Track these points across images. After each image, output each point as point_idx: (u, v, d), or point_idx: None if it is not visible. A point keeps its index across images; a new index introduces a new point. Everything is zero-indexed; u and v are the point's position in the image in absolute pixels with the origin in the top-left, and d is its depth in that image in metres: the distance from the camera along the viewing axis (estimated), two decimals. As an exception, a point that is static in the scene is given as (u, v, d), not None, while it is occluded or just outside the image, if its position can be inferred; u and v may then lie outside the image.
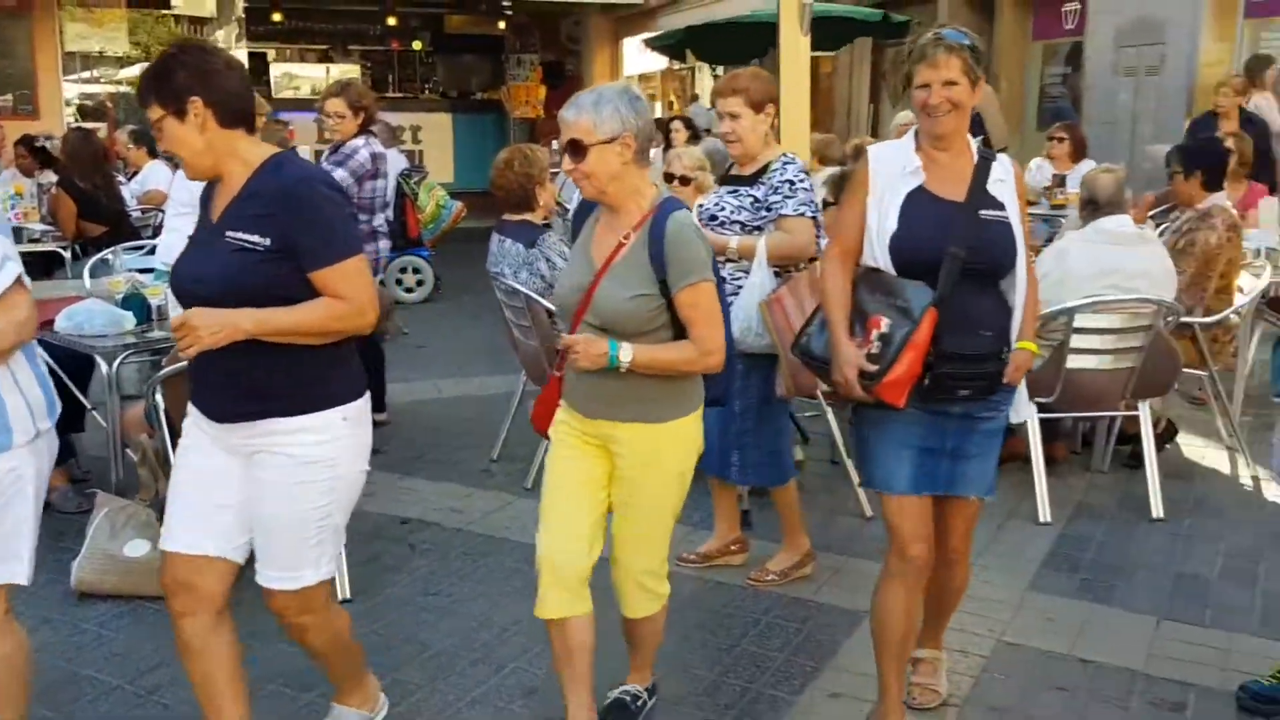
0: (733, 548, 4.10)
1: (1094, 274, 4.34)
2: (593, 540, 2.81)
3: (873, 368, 2.67)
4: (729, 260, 3.64)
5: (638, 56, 14.55)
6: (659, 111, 15.51)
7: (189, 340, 2.32)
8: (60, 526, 4.40)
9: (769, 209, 3.61)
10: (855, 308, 2.78)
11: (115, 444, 4.20)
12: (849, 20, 13.08)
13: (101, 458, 5.18)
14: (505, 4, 15.53)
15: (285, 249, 2.39)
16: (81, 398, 4.85)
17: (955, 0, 16.16)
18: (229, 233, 2.42)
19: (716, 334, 2.66)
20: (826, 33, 11.57)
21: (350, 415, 2.54)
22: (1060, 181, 7.94)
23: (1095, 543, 4.27)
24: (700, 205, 3.81)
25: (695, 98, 17.08)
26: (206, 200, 2.59)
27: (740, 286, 3.60)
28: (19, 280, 2.40)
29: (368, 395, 2.61)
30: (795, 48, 8.07)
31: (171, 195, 4.96)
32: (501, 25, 16.97)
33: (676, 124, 10.17)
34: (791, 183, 3.60)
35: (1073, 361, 4.42)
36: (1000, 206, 2.73)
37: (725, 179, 3.89)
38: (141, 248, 6.20)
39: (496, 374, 6.64)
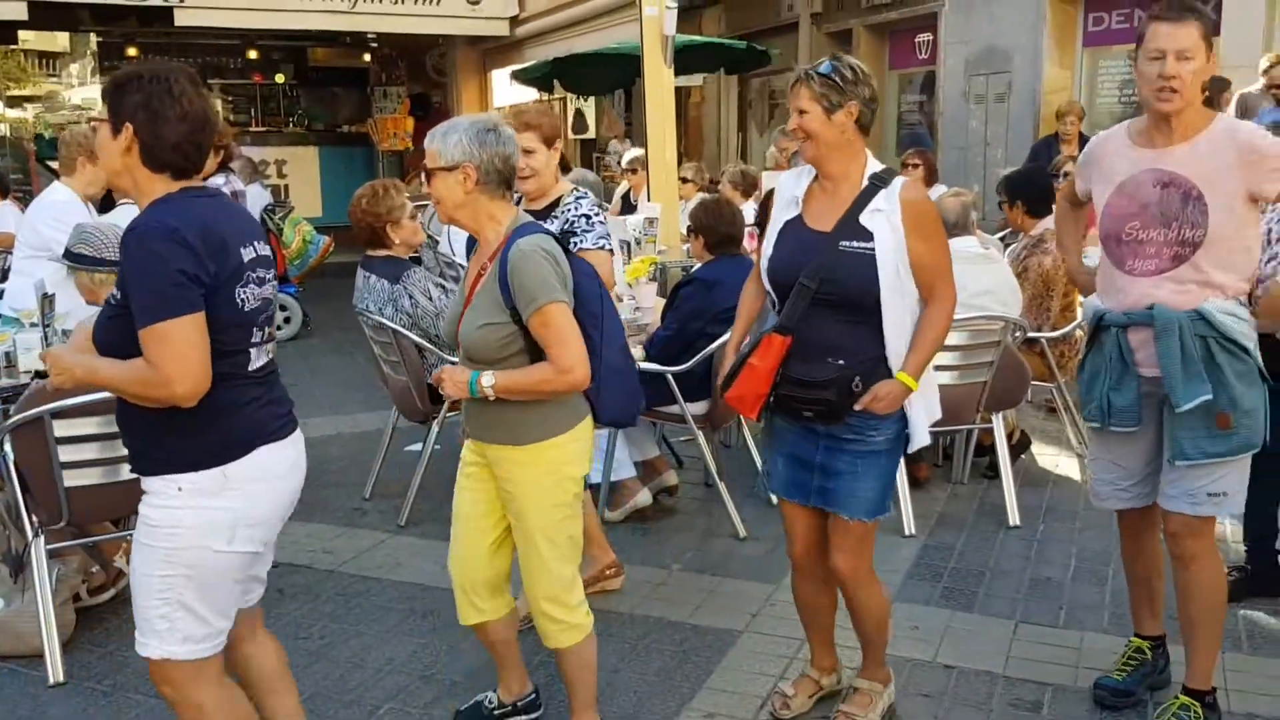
0: (608, 572, 4.11)
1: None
2: (494, 556, 2.95)
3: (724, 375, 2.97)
4: None
5: (507, 88, 14.56)
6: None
7: (56, 376, 2.39)
8: (-100, 589, 4.18)
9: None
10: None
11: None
12: (713, 50, 13.37)
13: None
14: (370, 37, 15.39)
15: (126, 306, 2.29)
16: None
17: (816, 34, 16.77)
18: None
19: (569, 352, 2.67)
20: (692, 63, 11.82)
21: (187, 487, 2.34)
22: (917, 205, 8.25)
23: (956, 552, 4.44)
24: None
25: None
26: None
27: None
28: None
29: (238, 467, 2.37)
30: (659, 78, 8.24)
31: (20, 238, 4.76)
32: (367, 58, 16.81)
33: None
34: (588, 217, 3.60)
35: (938, 378, 4.58)
36: (868, 237, 2.78)
37: None
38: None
39: (368, 411, 6.56)
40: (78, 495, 3.52)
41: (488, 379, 2.69)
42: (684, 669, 3.53)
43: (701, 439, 4.72)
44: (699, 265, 5.02)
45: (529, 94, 16.86)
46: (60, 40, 15.99)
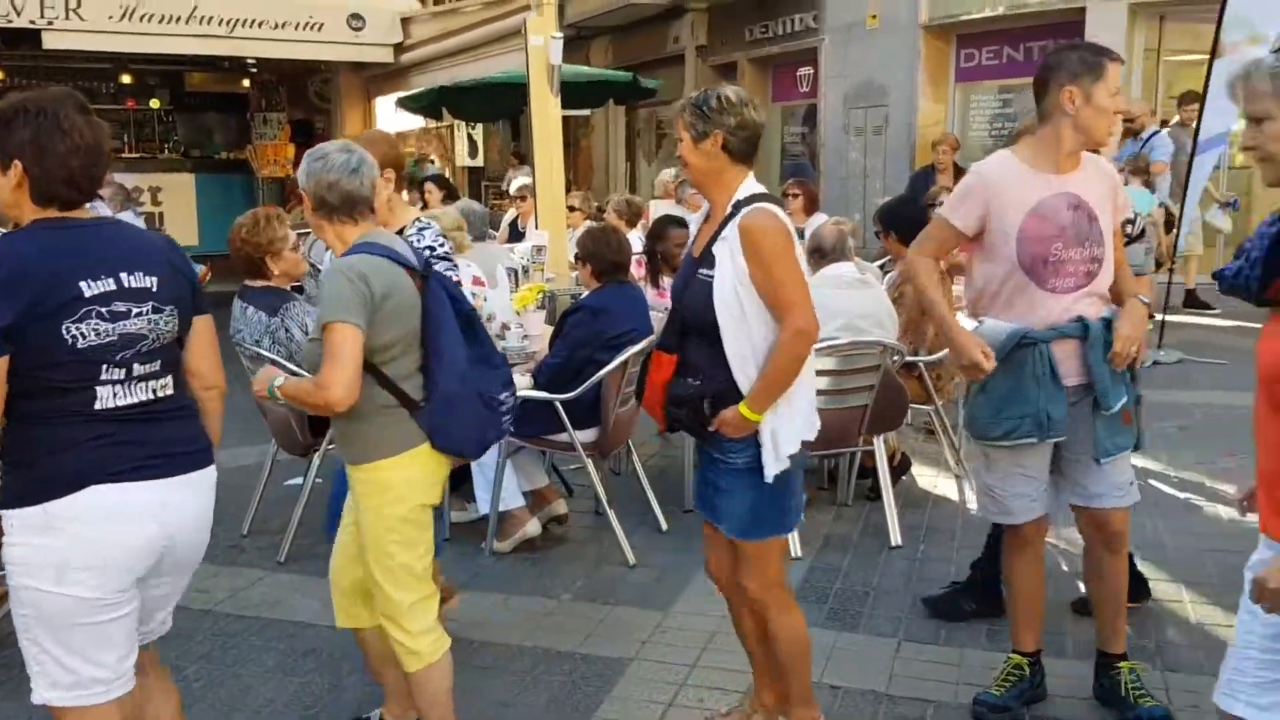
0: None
1: (824, 318, 4.59)
2: (357, 561, 2.99)
3: None
4: None
5: (392, 114, 14.39)
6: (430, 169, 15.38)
7: None
8: None
9: None
10: None
11: None
12: (601, 83, 13.47)
13: None
14: (250, 62, 15.06)
15: None
16: None
17: (701, 66, 17.06)
18: None
19: (333, 370, 2.66)
20: (580, 94, 11.87)
21: (17, 523, 2.29)
22: (799, 234, 8.42)
23: (842, 573, 4.51)
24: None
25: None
26: None
27: None
28: None
29: (61, 505, 2.28)
30: (546, 107, 8.28)
31: None
32: (246, 83, 16.43)
33: (429, 184, 10.12)
34: (432, 248, 3.50)
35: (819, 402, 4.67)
36: (712, 264, 2.85)
37: None
38: None
39: (246, 444, 6.36)
40: None
41: (280, 379, 2.88)
42: (573, 699, 3.50)
43: (591, 467, 4.71)
44: (587, 293, 5.03)
45: (415, 121, 16.75)
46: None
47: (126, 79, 15.96)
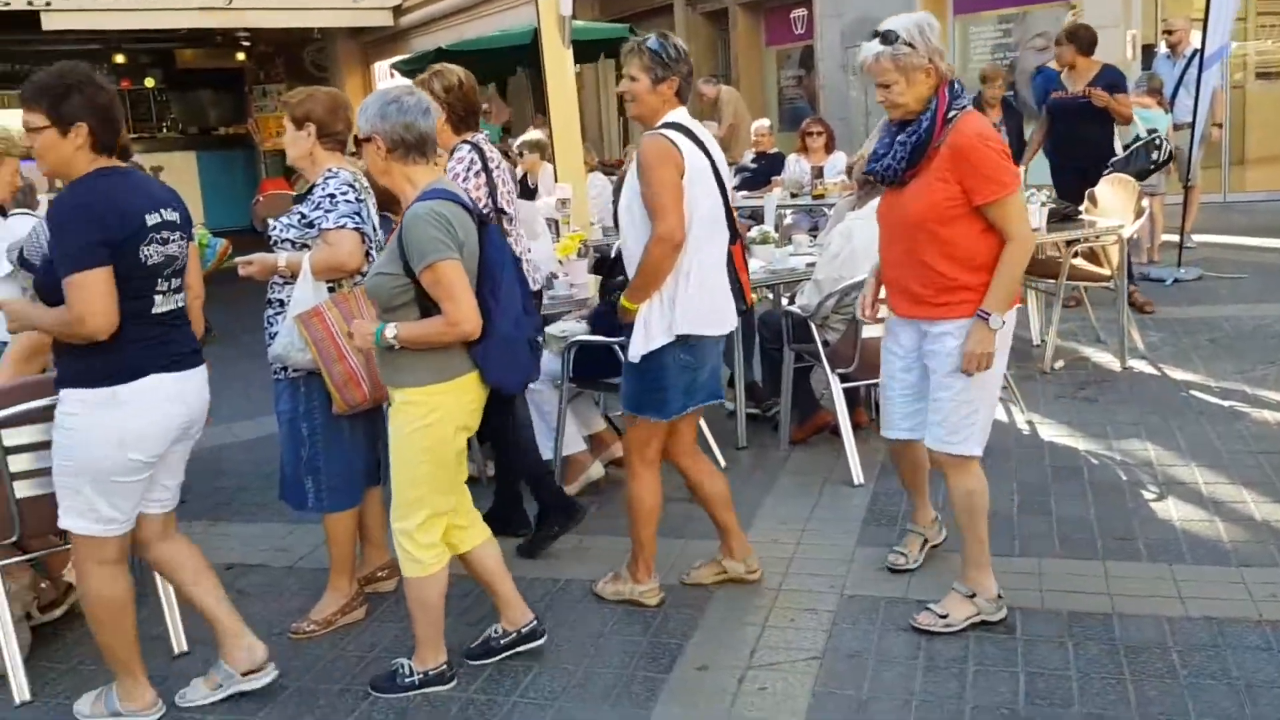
0: (379, 574, 4.02)
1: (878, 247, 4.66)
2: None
3: None
4: (286, 282, 3.56)
5: (390, 81, 14.32)
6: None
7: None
8: None
9: (312, 225, 3.53)
10: None
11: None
12: (593, 40, 13.36)
13: None
14: (242, 35, 14.93)
15: (49, 262, 2.92)
16: None
17: (691, 15, 16.91)
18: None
19: (457, 307, 2.92)
20: (575, 50, 11.79)
21: (87, 400, 2.91)
22: (819, 173, 8.43)
23: (904, 496, 4.56)
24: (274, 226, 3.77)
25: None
26: None
27: None
28: None
29: (129, 389, 2.90)
30: (559, 60, 8.23)
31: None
32: (241, 57, 16.31)
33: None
34: (333, 196, 3.51)
35: (866, 332, 4.73)
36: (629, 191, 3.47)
37: (295, 200, 4.04)
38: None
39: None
40: (30, 507, 3.39)
41: (391, 330, 2.96)
42: (668, 627, 3.58)
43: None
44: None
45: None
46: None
47: (120, 59, 15.85)
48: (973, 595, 3.42)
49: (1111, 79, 7.13)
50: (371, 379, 3.44)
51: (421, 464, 3.07)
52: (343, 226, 3.48)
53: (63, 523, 3.02)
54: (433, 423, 3.04)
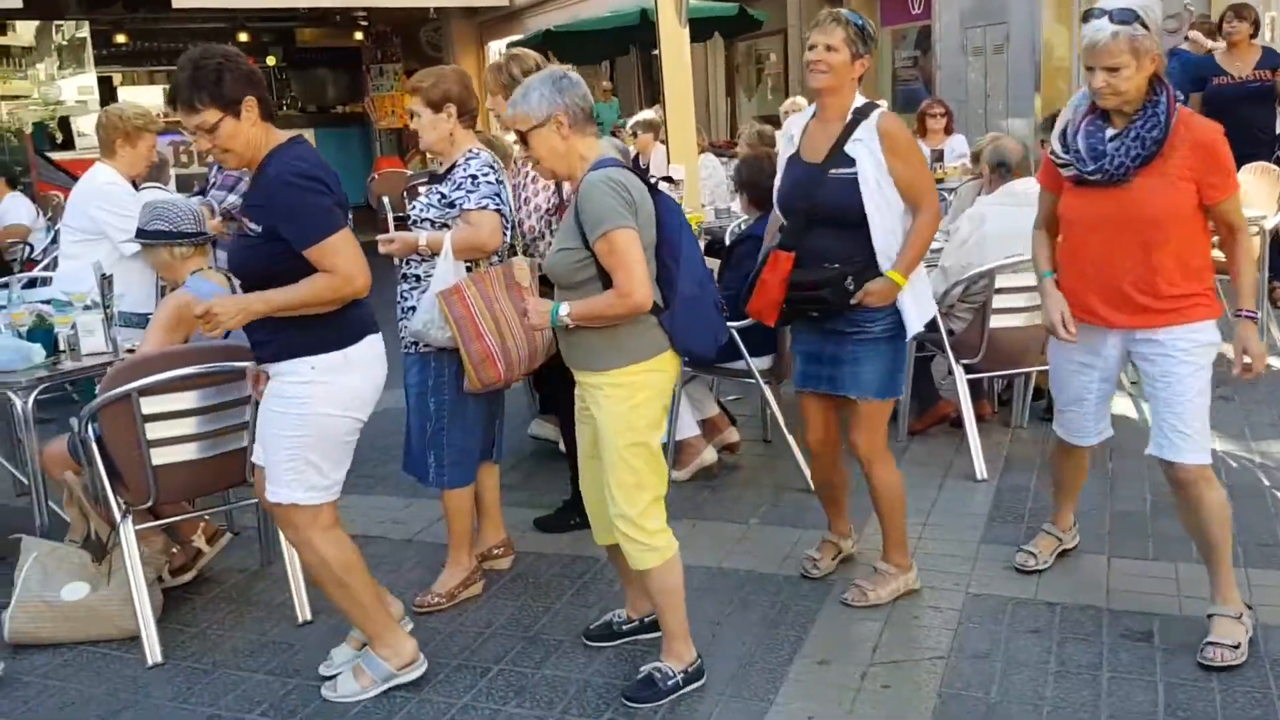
0: (495, 551, 4.01)
1: (1011, 235, 4.47)
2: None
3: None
4: (423, 259, 3.61)
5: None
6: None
7: (210, 325, 2.81)
8: (-27, 578, 4.13)
9: (453, 205, 3.56)
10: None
11: (38, 484, 3.94)
12: (707, 18, 13.25)
13: (2, 505, 4.89)
14: (360, 14, 15.18)
15: (272, 236, 2.82)
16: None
17: (806, -7, 16.63)
18: (244, 220, 2.92)
19: (629, 277, 2.80)
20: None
21: (317, 366, 2.92)
22: (939, 156, 8.21)
23: (1030, 493, 4.43)
24: (412, 207, 3.72)
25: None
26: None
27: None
28: None
29: (355, 350, 2.96)
30: (675, 39, 8.16)
31: (67, 222, 4.69)
32: (359, 36, 16.59)
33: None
34: (474, 177, 3.54)
35: (995, 322, 4.58)
36: (851, 164, 3.26)
37: (428, 179, 3.93)
38: (34, 280, 5.83)
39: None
40: (166, 474, 3.48)
41: (565, 308, 2.86)
42: (786, 619, 3.52)
43: (768, 393, 4.70)
44: (751, 222, 4.99)
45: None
46: (25, 36, 15.77)
47: (243, 37, 16.25)
48: (1239, 615, 3.17)
49: (1274, 61, 6.78)
50: (506, 360, 3.44)
51: (638, 447, 2.94)
52: (484, 207, 3.52)
53: (284, 497, 3.01)
54: (640, 403, 2.93)
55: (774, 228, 3.57)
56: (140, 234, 3.85)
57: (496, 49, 14.86)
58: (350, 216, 2.92)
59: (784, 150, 3.53)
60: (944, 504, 4.38)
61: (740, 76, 19.92)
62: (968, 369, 4.73)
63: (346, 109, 16.88)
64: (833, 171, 3.27)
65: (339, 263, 2.81)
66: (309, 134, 16.55)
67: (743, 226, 5.42)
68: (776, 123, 10.63)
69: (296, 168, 2.82)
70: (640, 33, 11.43)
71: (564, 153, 2.91)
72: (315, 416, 2.94)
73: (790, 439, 4.68)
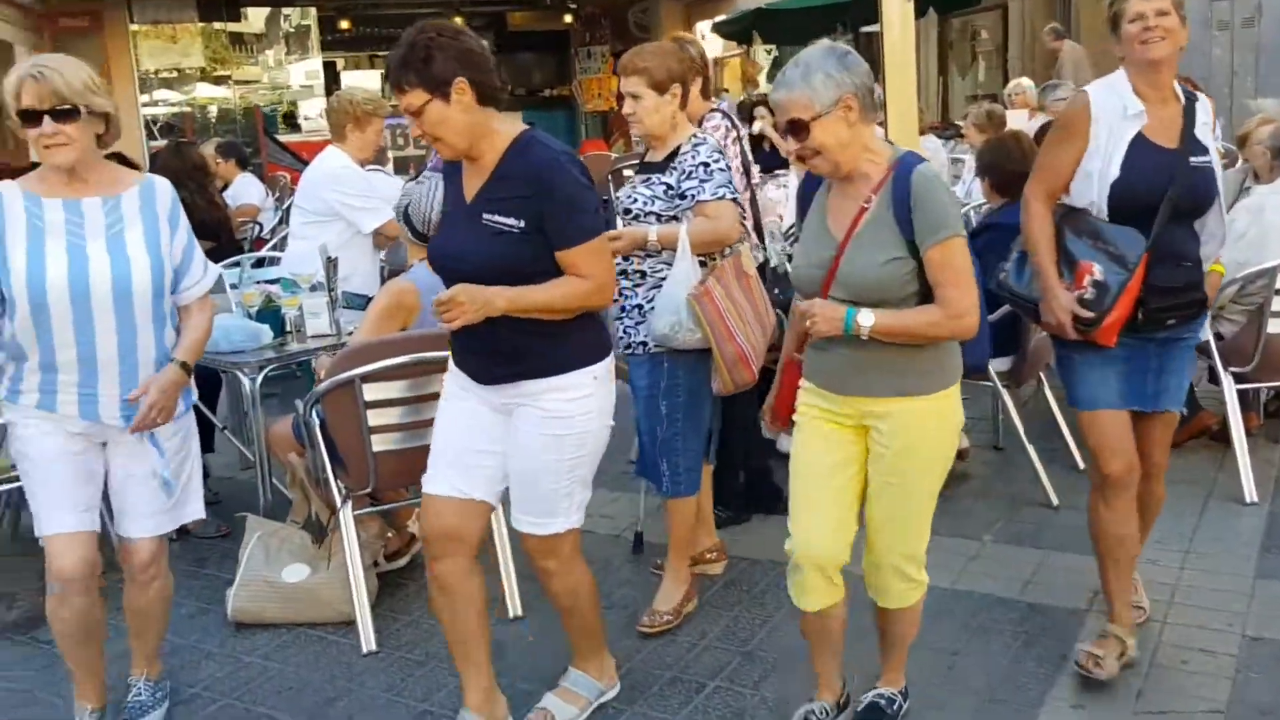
0: (709, 555, 3.78)
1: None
2: (847, 526, 2.64)
3: (1087, 314, 2.82)
4: (646, 255, 3.33)
5: (714, 41, 14.21)
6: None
7: (453, 314, 2.46)
8: (201, 553, 4.26)
9: (684, 196, 3.27)
10: (1061, 251, 2.90)
11: (263, 464, 4.01)
12: (922, -8, 12.65)
13: (228, 478, 5.05)
14: (570, -3, 15.33)
15: (536, 230, 2.51)
16: (211, 417, 4.70)
17: (1032, -32, 15.69)
18: (485, 215, 2.56)
19: (967, 295, 2.42)
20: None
21: (599, 374, 2.65)
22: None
23: (1313, 523, 3.92)
24: (616, 198, 3.48)
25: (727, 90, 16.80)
26: (454, 178, 2.69)
27: (663, 280, 3.28)
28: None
29: (611, 356, 2.71)
30: (899, 15, 7.75)
31: (299, 203, 4.77)
32: (568, 19, 16.74)
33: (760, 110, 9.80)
34: (706, 164, 3.26)
35: (1273, 326, 4.07)
36: (1205, 151, 2.89)
37: (640, 167, 3.52)
38: (262, 260, 6.02)
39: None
40: (384, 460, 3.45)
41: (867, 317, 2.42)
42: (1032, 652, 3.19)
43: (1007, 398, 4.32)
44: (991, 210, 4.60)
45: (731, 47, 16.51)
46: (257, 23, 16.61)
47: (459, 21, 16.66)
48: None
49: None
50: (758, 359, 3.25)
51: (937, 477, 2.61)
52: (721, 197, 3.26)
53: (560, 526, 2.72)
54: (955, 426, 2.61)
55: (1045, 228, 2.92)
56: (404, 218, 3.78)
57: (703, 30, 14.67)
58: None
59: (1121, 128, 2.85)
60: (1209, 530, 3.92)
61: (954, 54, 19.09)
62: (1237, 378, 4.22)
63: (554, 92, 17.07)
64: (1193, 159, 2.86)
65: (598, 269, 2.56)
66: (516, 117, 16.85)
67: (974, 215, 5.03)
68: (997, 104, 10.06)
69: (570, 158, 2.58)
70: (853, 10, 10.98)
71: (848, 142, 2.45)
72: (596, 431, 2.68)
73: (1030, 449, 4.29)
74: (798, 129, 2.44)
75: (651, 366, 3.38)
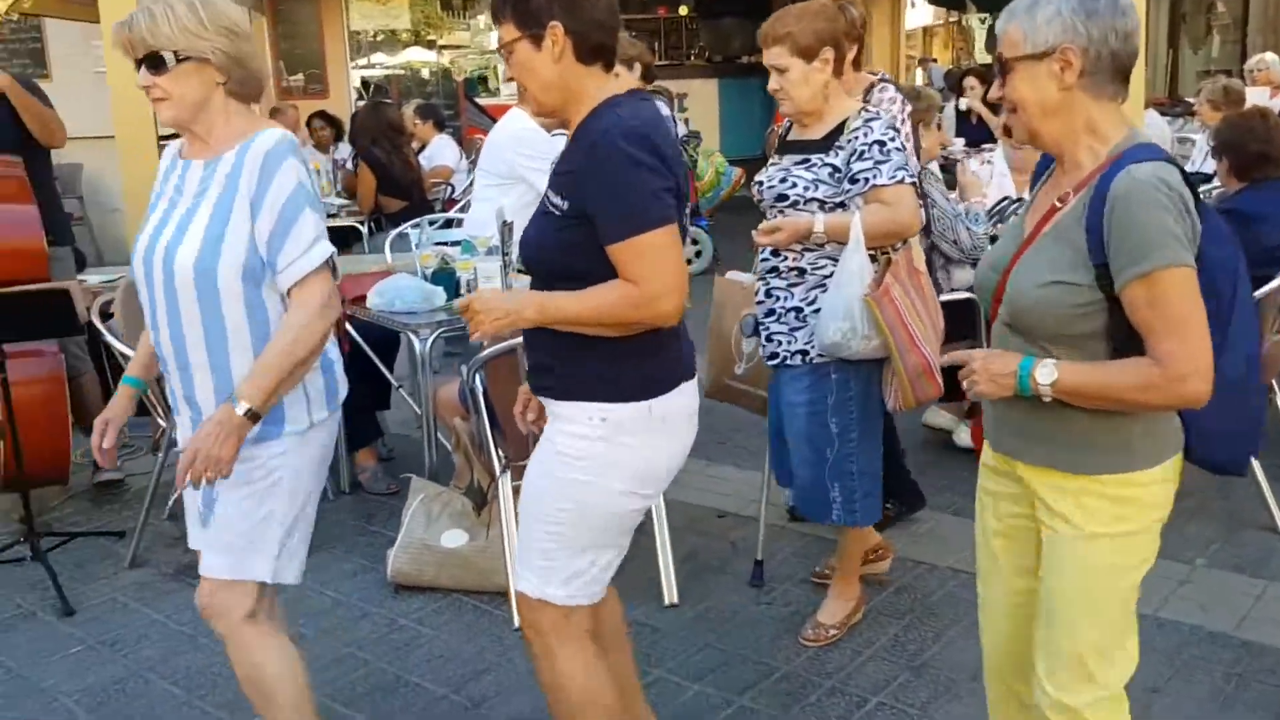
0: (870, 556, 3.48)
1: None
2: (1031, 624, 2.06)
3: None
4: (806, 248, 2.94)
5: (923, 7, 13.59)
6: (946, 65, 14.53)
7: (473, 325, 2.05)
8: (370, 509, 4.31)
9: (855, 180, 2.87)
10: None
11: (429, 426, 4.00)
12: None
13: (404, 435, 5.10)
14: (772, -38, 14.91)
15: (581, 214, 2.02)
16: (389, 375, 4.74)
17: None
18: (548, 192, 2.11)
19: (1185, 346, 1.73)
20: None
21: (610, 418, 2.08)
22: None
23: None
24: (758, 182, 3.04)
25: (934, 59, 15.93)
26: None
27: (826, 278, 2.91)
28: (326, 263, 2.21)
29: (664, 402, 2.11)
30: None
31: (482, 166, 4.72)
32: (769, -16, 16.34)
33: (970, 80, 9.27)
34: (882, 143, 2.85)
35: None
36: None
37: (786, 146, 3.06)
38: (450, 222, 6.06)
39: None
40: (546, 433, 3.34)
41: (1048, 373, 1.79)
42: (1244, 696, 2.82)
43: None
44: (1224, 195, 4.13)
45: (940, 14, 15.78)
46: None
47: (657, -14, 16.55)
48: None
49: None
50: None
51: (1105, 594, 1.93)
52: (899, 180, 2.87)
53: (532, 588, 2.20)
54: (1143, 528, 1.91)
55: None
56: None
57: (911, -4, 14.04)
58: (686, 211, 2.12)
59: None
60: None
61: (1186, 26, 17.74)
62: None
63: (751, 59, 16.71)
64: None
65: (647, 271, 1.98)
66: (711, 84, 16.69)
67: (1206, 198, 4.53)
68: (1235, 79, 9.19)
69: (630, 127, 2.00)
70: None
71: (1055, 109, 1.83)
72: (591, 489, 2.11)
73: (1255, 464, 3.82)
74: (1003, 68, 1.87)
75: (814, 380, 2.99)
